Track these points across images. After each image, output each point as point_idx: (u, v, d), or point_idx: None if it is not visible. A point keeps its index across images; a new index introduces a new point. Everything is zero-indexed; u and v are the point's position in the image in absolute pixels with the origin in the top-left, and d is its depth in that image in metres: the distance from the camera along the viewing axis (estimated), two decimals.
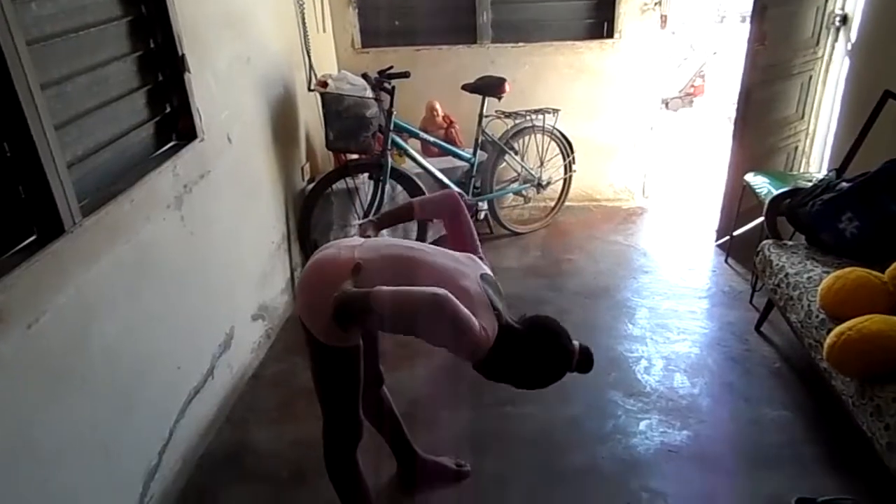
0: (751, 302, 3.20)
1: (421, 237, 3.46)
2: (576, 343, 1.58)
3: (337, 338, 1.60)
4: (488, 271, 1.69)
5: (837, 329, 2.05)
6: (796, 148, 3.90)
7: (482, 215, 3.99)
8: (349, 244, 1.66)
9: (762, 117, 3.57)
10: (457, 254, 1.70)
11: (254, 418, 2.52)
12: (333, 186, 3.30)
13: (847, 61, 3.43)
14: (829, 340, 2.06)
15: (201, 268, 2.34)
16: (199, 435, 2.31)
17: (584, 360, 1.58)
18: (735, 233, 3.63)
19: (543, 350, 1.56)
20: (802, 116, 3.79)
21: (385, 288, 1.39)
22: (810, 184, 2.92)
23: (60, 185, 1.60)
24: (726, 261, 3.64)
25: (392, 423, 2.11)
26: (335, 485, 1.81)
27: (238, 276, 2.66)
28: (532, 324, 1.60)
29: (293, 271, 3.26)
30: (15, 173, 1.54)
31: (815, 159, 3.85)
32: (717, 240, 3.83)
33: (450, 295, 1.38)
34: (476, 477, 2.20)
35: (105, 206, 1.77)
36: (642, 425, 2.42)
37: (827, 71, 3.65)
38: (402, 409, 2.14)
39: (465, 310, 1.41)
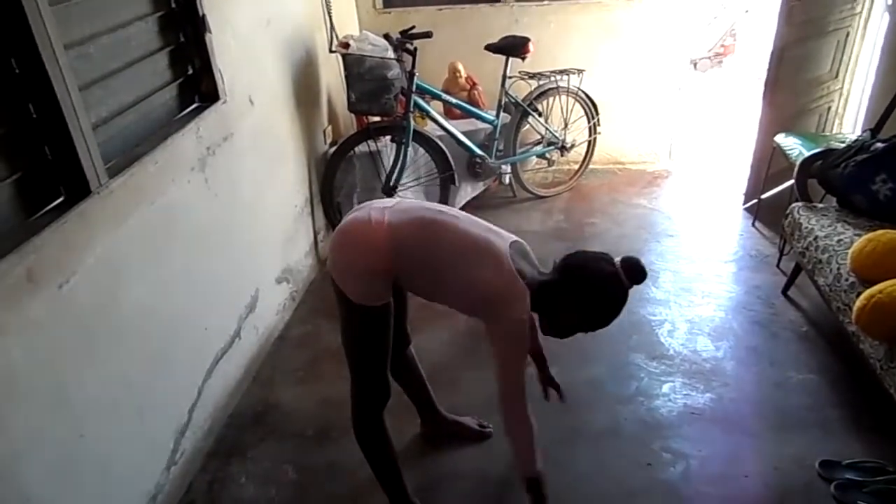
0: (778, 266, 3.15)
1: (444, 199, 3.44)
2: (617, 260, 1.57)
3: (368, 297, 1.61)
4: (516, 238, 1.68)
5: (867, 292, 2.01)
6: (829, 109, 3.78)
7: (506, 179, 3.95)
8: (380, 206, 1.68)
9: (794, 76, 3.45)
10: (485, 222, 1.70)
11: (280, 378, 2.56)
12: (356, 149, 3.28)
13: (887, 17, 3.29)
14: (858, 303, 2.02)
15: (226, 230, 2.36)
16: (227, 394, 2.37)
17: (633, 272, 1.56)
18: (763, 196, 3.56)
19: (587, 285, 1.56)
20: (837, 76, 3.66)
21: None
22: (843, 145, 2.83)
23: (86, 147, 1.61)
24: (753, 224, 3.58)
25: (418, 384, 2.14)
26: (362, 445, 1.84)
27: (262, 239, 2.68)
28: (564, 267, 1.60)
29: (316, 235, 3.27)
30: (41, 134, 1.55)
31: (849, 120, 3.73)
32: (744, 203, 3.76)
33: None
34: (498, 436, 2.22)
35: (130, 168, 1.78)
36: (665, 388, 2.41)
37: (865, 27, 3.51)
38: (425, 370, 2.16)
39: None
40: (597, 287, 1.57)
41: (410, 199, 1.82)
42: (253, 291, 2.58)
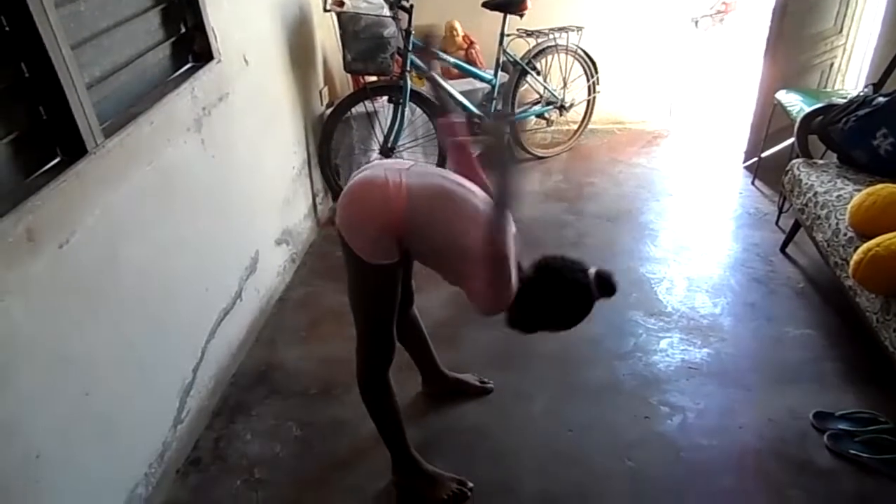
0: (777, 223, 3.16)
1: (442, 160, 3.43)
2: (591, 270, 1.58)
3: (379, 255, 1.60)
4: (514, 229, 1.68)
5: (865, 246, 2.02)
6: (832, 65, 3.73)
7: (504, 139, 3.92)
8: (397, 167, 1.65)
9: (797, 32, 3.40)
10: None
11: (282, 339, 2.59)
12: (353, 110, 3.25)
13: None
14: (856, 257, 2.03)
15: (224, 192, 2.35)
16: (230, 354, 2.39)
17: (603, 285, 1.58)
18: (763, 154, 3.54)
19: (558, 291, 1.58)
20: (841, 30, 3.61)
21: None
22: (845, 100, 2.81)
23: (80, 106, 1.60)
24: (753, 183, 3.57)
25: (421, 343, 2.16)
26: (366, 401, 1.86)
27: (260, 201, 2.68)
28: (541, 269, 1.61)
29: (315, 197, 3.27)
30: (35, 94, 1.54)
31: (852, 77, 3.69)
32: (744, 161, 3.75)
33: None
34: (499, 392, 2.26)
35: (126, 128, 1.77)
36: (663, 344, 2.44)
37: None
38: (427, 329, 2.18)
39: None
40: (567, 294, 1.58)
41: (424, 165, 1.80)
42: (253, 253, 2.58)
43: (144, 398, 1.88)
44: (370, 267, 1.62)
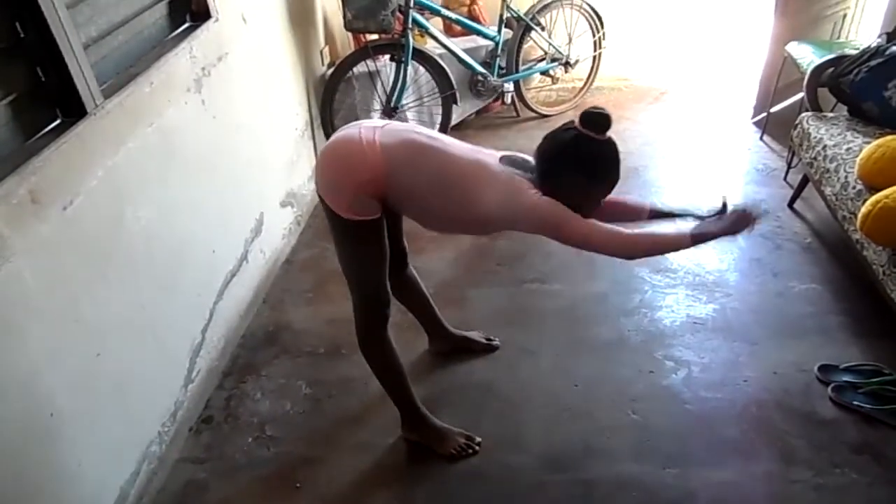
0: (785, 179, 3.13)
1: (446, 118, 3.39)
2: (574, 121, 1.57)
3: (358, 212, 1.61)
4: (504, 153, 1.68)
5: (874, 197, 2.00)
6: (845, 15, 3.63)
7: (508, 98, 3.87)
8: (370, 125, 1.66)
9: None
10: (471, 146, 1.69)
11: (289, 300, 2.61)
12: (354, 70, 3.21)
13: None
14: (864, 209, 2.02)
15: (227, 153, 2.34)
16: (238, 315, 2.42)
17: (592, 122, 1.55)
18: (772, 109, 3.49)
19: (565, 158, 1.56)
20: None
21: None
22: (857, 51, 2.74)
23: (78, 66, 1.58)
24: (761, 138, 3.52)
25: (421, 302, 2.17)
26: (368, 361, 1.88)
27: (264, 163, 2.67)
28: (540, 157, 1.61)
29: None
30: (32, 55, 1.52)
31: (865, 27, 3.60)
32: (753, 117, 3.69)
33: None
34: (505, 349, 2.28)
35: (125, 89, 1.75)
36: (668, 300, 2.45)
37: None
38: (431, 290, 2.19)
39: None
40: (572, 154, 1.55)
41: (398, 123, 1.78)
42: (258, 215, 2.59)
43: (155, 359, 1.91)
44: (353, 224, 1.63)
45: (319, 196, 1.66)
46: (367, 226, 1.64)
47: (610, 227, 1.57)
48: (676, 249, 1.73)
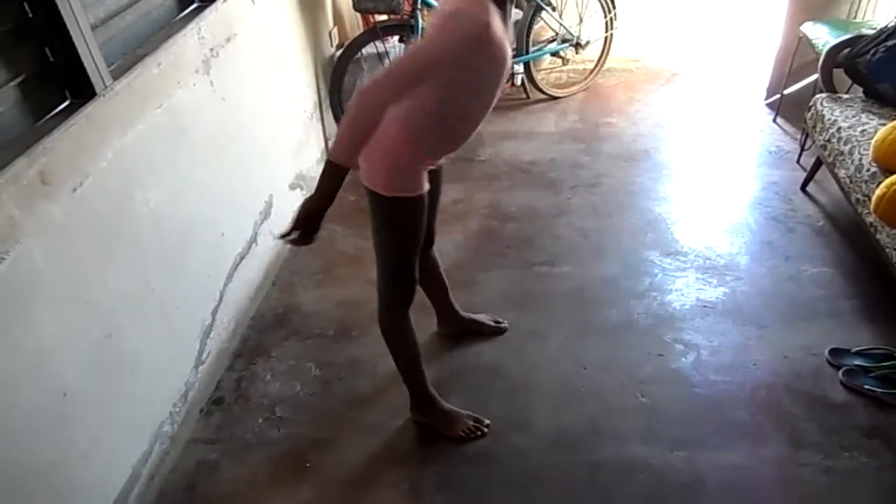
0: (798, 162, 3.09)
1: None
2: None
3: (402, 187, 1.59)
4: None
5: (889, 180, 1.98)
6: None
7: (518, 79, 3.84)
8: None
9: None
10: None
11: (299, 282, 2.62)
12: (363, 51, 3.19)
13: None
14: (878, 192, 2.00)
15: (235, 135, 2.33)
16: (248, 297, 2.43)
17: None
18: (786, 91, 3.44)
19: None
20: None
21: None
22: (874, 31, 2.69)
23: (87, 47, 1.58)
24: (775, 120, 3.48)
25: (439, 284, 2.17)
26: (387, 340, 1.88)
27: (273, 145, 2.66)
28: None
29: (327, 140, 3.24)
30: (40, 35, 1.52)
31: (883, 6, 3.53)
32: (766, 99, 3.64)
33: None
34: (514, 331, 2.28)
35: (134, 70, 1.74)
36: (678, 283, 2.44)
37: None
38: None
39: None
40: None
41: None
42: (267, 197, 2.59)
43: (165, 340, 1.92)
44: (396, 201, 1.61)
45: (363, 186, 1.63)
46: (410, 203, 1.62)
47: (395, 83, 1.36)
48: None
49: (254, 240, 2.47)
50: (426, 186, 1.63)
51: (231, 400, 2.13)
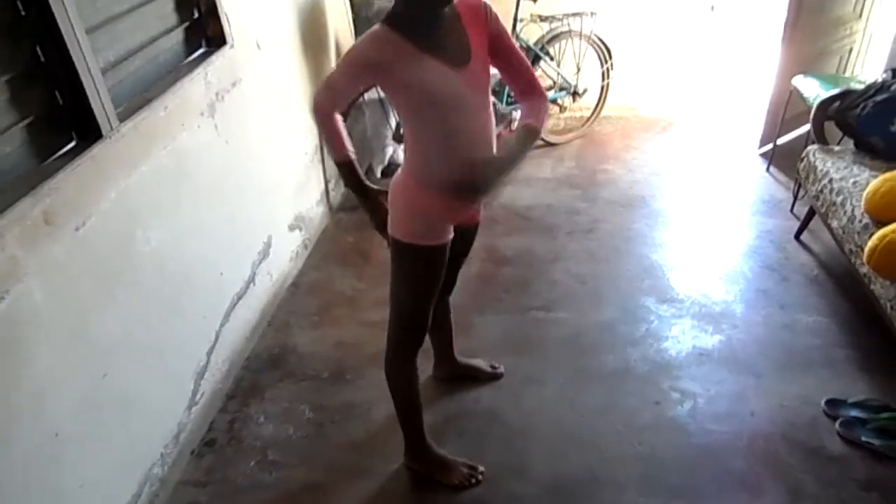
0: (791, 211, 3.13)
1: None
2: None
3: (420, 234, 1.62)
4: None
5: (881, 232, 2.01)
6: (850, 50, 3.67)
7: (517, 125, 3.90)
8: None
9: (815, 16, 3.35)
10: None
11: (295, 323, 2.61)
12: (365, 96, 3.25)
13: None
14: (871, 244, 2.02)
15: (237, 177, 2.37)
16: (244, 338, 2.42)
17: None
18: (779, 141, 3.51)
19: None
20: (860, 15, 3.55)
21: None
22: (863, 86, 2.77)
23: (96, 90, 1.61)
24: (768, 170, 3.54)
25: (446, 329, 2.17)
26: (391, 382, 1.86)
27: (273, 187, 2.69)
28: None
29: (327, 182, 3.28)
30: (50, 78, 1.55)
31: (871, 62, 3.63)
32: (759, 148, 3.71)
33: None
34: (511, 377, 2.27)
35: (140, 112, 1.78)
36: (675, 330, 2.44)
37: None
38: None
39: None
40: None
41: None
42: (266, 238, 2.60)
43: (160, 380, 1.91)
44: (418, 249, 1.64)
45: (392, 237, 1.67)
46: (431, 252, 1.65)
47: (333, 91, 1.58)
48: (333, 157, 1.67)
49: (252, 280, 2.47)
50: (447, 238, 1.65)
51: (223, 442, 2.10)
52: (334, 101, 1.59)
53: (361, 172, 1.69)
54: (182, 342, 2.03)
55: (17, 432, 1.38)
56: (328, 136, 1.64)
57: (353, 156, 1.64)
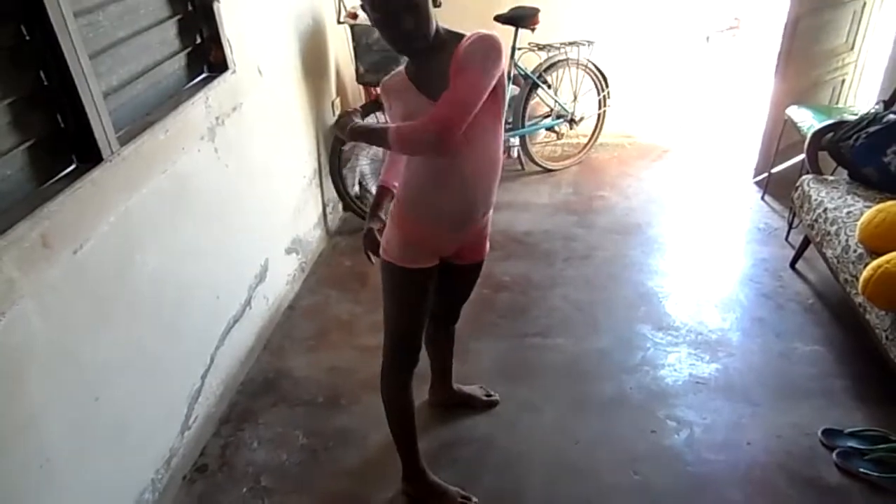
0: (786, 239, 3.15)
1: None
2: None
3: (402, 256, 1.66)
4: None
5: (875, 262, 2.02)
6: (843, 81, 3.73)
7: (514, 152, 3.94)
8: None
9: (808, 48, 3.41)
10: None
11: (290, 346, 2.60)
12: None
13: None
14: (865, 274, 2.03)
15: (236, 200, 2.38)
16: (238, 361, 2.41)
17: None
18: (774, 170, 3.54)
19: None
20: (852, 47, 3.61)
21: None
22: (856, 117, 2.80)
23: (97, 114, 1.63)
24: (763, 198, 3.57)
25: (446, 356, 2.18)
26: (386, 402, 1.86)
27: (271, 210, 2.70)
28: None
29: (325, 206, 3.29)
30: (53, 102, 1.57)
31: (864, 93, 3.69)
32: (754, 177, 3.74)
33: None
34: (506, 404, 2.26)
35: (141, 136, 1.80)
36: (671, 358, 2.43)
37: None
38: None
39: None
40: None
41: None
42: (263, 261, 2.60)
43: (153, 404, 1.90)
44: (404, 271, 1.67)
45: (382, 261, 1.72)
46: (417, 274, 1.68)
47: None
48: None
49: (248, 303, 2.47)
50: (430, 262, 1.69)
51: (215, 467, 2.08)
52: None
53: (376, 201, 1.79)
54: (176, 365, 2.02)
55: (6, 456, 1.36)
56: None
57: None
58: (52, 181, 1.56)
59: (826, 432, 2.06)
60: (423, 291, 1.72)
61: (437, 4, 1.53)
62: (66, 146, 1.62)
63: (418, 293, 1.72)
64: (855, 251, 2.24)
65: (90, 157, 1.64)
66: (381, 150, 3.33)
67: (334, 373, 2.42)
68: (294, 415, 2.27)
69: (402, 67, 1.60)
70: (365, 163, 3.40)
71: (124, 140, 1.75)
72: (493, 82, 1.47)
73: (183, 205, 2.02)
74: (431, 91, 1.49)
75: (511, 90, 3.65)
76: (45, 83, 1.55)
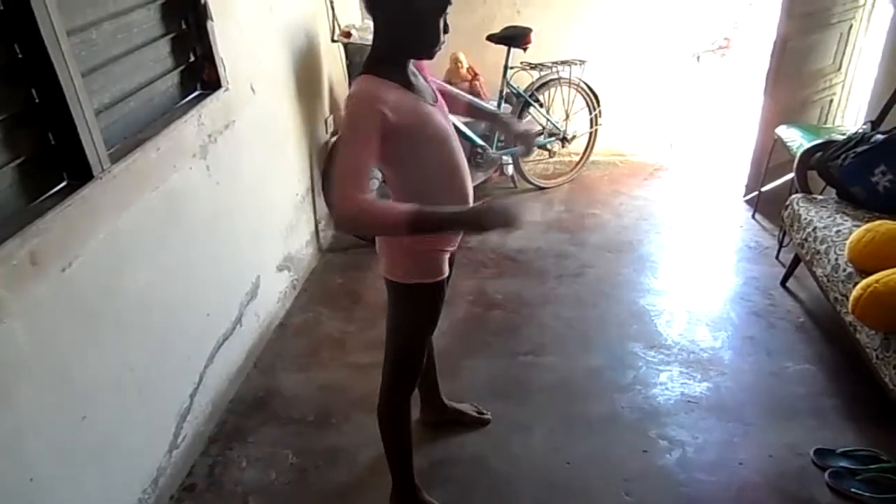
0: (777, 257, 3.17)
1: None
2: None
3: (420, 273, 1.63)
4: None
5: (864, 282, 2.03)
6: (831, 101, 3.78)
7: (507, 170, 3.96)
8: None
9: (797, 69, 3.45)
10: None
11: (281, 365, 2.59)
12: None
13: (890, 9, 3.29)
14: (855, 293, 2.04)
15: (228, 218, 2.37)
16: (228, 380, 2.39)
17: None
18: (763, 188, 3.56)
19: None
20: (839, 68, 3.66)
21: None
22: (844, 137, 2.84)
23: (88, 132, 1.62)
24: (753, 216, 3.59)
25: (430, 370, 2.16)
26: (384, 424, 1.84)
27: (263, 227, 2.70)
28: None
29: (317, 224, 3.29)
30: (44, 119, 1.57)
31: (851, 113, 3.73)
32: (745, 195, 3.77)
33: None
34: (498, 423, 2.25)
35: (133, 154, 1.79)
36: (663, 376, 2.43)
37: (869, 19, 3.51)
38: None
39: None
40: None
41: None
42: (254, 279, 2.59)
43: (141, 423, 1.88)
44: (414, 289, 1.64)
45: (385, 279, 1.67)
46: (429, 288, 1.65)
47: (358, 175, 1.36)
48: (394, 231, 1.46)
49: (239, 321, 2.45)
50: (446, 271, 1.68)
51: (203, 487, 2.06)
52: (358, 182, 1.35)
53: (434, 208, 1.42)
54: (165, 383, 2.00)
55: None
56: (373, 222, 1.39)
57: (410, 206, 1.39)
58: (42, 198, 1.56)
59: (818, 452, 2.06)
60: (440, 302, 1.71)
61: (446, 30, 1.56)
62: (56, 163, 1.61)
63: (437, 305, 1.71)
64: (844, 270, 2.26)
65: (81, 174, 1.63)
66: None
67: (325, 391, 2.41)
68: (284, 433, 2.25)
69: (367, 80, 1.48)
70: None
71: (116, 157, 1.75)
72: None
73: (174, 222, 2.02)
74: (428, 97, 1.58)
75: (504, 108, 3.67)
76: (37, 101, 1.55)
